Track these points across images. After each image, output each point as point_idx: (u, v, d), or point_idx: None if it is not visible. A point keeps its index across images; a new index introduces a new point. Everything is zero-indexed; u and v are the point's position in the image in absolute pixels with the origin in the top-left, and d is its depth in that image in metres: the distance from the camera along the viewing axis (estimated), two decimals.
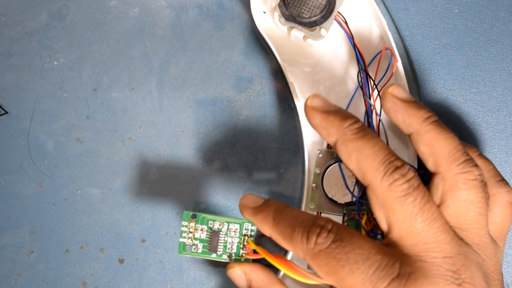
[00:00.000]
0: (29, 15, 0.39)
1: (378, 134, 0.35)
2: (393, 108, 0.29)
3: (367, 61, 0.36)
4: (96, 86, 0.38)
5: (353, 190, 0.34)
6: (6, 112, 0.38)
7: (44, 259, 0.37)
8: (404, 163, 0.27)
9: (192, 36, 0.39)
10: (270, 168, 0.37)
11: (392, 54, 0.35)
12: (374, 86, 0.35)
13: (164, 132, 0.38)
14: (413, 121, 0.28)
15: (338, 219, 0.35)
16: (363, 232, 0.32)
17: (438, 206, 0.27)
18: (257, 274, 0.31)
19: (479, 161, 0.30)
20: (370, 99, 0.35)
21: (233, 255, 0.33)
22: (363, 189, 0.34)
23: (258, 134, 0.37)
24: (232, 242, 0.33)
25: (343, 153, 0.28)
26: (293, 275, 0.29)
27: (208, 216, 0.33)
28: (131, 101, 0.38)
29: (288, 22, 0.35)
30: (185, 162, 0.37)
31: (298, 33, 0.36)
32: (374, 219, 0.33)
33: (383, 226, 0.27)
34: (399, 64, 0.35)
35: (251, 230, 0.33)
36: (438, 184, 0.27)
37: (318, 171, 0.35)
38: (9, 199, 0.37)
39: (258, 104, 0.38)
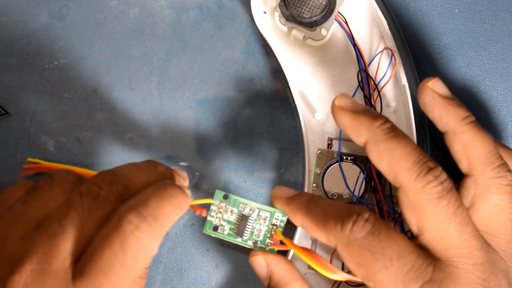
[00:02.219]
0: (29, 15, 0.39)
1: None
2: (431, 103, 0.28)
3: (367, 61, 0.36)
4: (97, 86, 0.38)
5: (354, 190, 0.34)
6: (6, 112, 0.38)
7: None
8: (437, 165, 0.26)
9: (192, 36, 0.39)
10: (271, 168, 0.37)
11: (392, 54, 0.35)
12: (374, 86, 0.35)
13: (164, 132, 0.38)
14: (450, 119, 0.27)
15: None
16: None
17: (468, 208, 0.27)
18: (280, 266, 0.30)
19: None
20: (370, 99, 0.35)
21: (259, 242, 0.32)
22: (363, 189, 0.34)
23: (258, 134, 0.37)
24: (260, 229, 0.32)
25: (373, 154, 0.27)
26: (321, 269, 0.28)
27: (240, 199, 0.32)
28: (132, 101, 0.38)
29: (288, 22, 0.35)
30: (185, 162, 0.37)
31: (298, 33, 0.36)
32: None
33: (414, 228, 0.27)
34: (399, 64, 0.35)
35: (281, 221, 0.32)
36: (470, 187, 0.27)
37: (319, 171, 0.35)
38: None
39: (258, 104, 0.38)
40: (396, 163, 0.26)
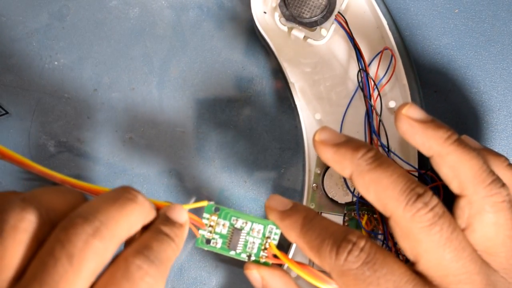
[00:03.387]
0: (29, 15, 0.39)
1: (379, 134, 0.35)
2: (410, 131, 0.27)
3: (367, 61, 0.36)
4: (97, 86, 0.38)
5: (354, 190, 0.34)
6: (7, 112, 0.38)
7: None
8: (426, 190, 0.25)
9: (192, 36, 0.39)
10: (271, 168, 0.37)
11: (392, 54, 0.35)
12: (374, 86, 0.35)
13: (164, 132, 0.38)
14: (433, 143, 0.26)
15: (338, 219, 0.35)
16: (364, 233, 0.32)
17: (464, 229, 0.26)
18: (275, 280, 0.29)
19: (508, 173, 0.28)
20: (370, 99, 0.35)
21: (253, 255, 0.30)
22: None
23: (258, 134, 0.37)
24: (254, 242, 0.30)
25: (360, 186, 0.26)
26: (317, 282, 0.28)
27: (232, 212, 0.30)
28: (132, 101, 0.38)
29: (288, 22, 0.35)
30: (185, 162, 0.37)
31: (298, 33, 0.36)
32: (375, 219, 0.33)
33: (409, 257, 0.26)
34: (400, 64, 0.35)
35: (275, 234, 0.30)
36: (464, 207, 0.26)
37: (319, 171, 0.35)
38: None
39: (258, 104, 0.38)
40: (383, 193, 0.25)
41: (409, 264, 0.26)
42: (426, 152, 0.27)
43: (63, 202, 0.24)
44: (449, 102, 0.37)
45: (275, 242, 0.30)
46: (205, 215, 0.30)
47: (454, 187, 0.26)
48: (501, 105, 0.37)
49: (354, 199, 0.34)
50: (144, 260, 0.23)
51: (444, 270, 0.25)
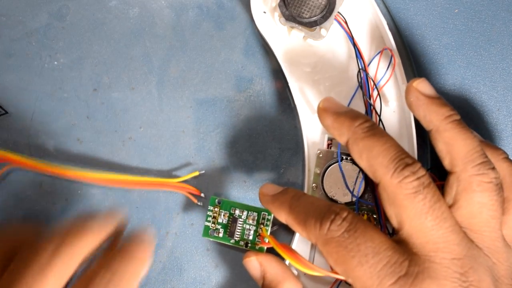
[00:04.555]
0: (29, 15, 0.39)
1: None
2: (416, 102, 0.29)
3: (367, 61, 0.36)
4: (96, 86, 0.38)
5: (353, 190, 0.34)
6: (6, 112, 0.38)
7: None
8: (415, 161, 0.27)
9: (192, 36, 0.39)
10: (270, 168, 0.37)
11: (392, 54, 0.35)
12: (374, 86, 0.35)
13: (164, 132, 0.38)
14: (434, 118, 0.28)
15: None
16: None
17: (451, 205, 0.27)
18: (272, 266, 0.31)
19: (504, 164, 0.29)
20: (370, 99, 0.35)
21: (249, 242, 0.34)
22: (363, 189, 0.34)
23: (258, 134, 0.37)
24: (250, 229, 0.34)
25: (354, 152, 0.28)
26: (299, 266, 0.29)
27: (231, 203, 0.34)
28: (131, 101, 0.38)
29: (288, 22, 0.35)
30: (185, 162, 0.37)
31: (298, 33, 0.36)
32: (375, 219, 0.33)
33: (394, 223, 0.27)
34: (399, 64, 0.35)
35: (267, 220, 0.34)
36: (453, 184, 0.27)
37: (318, 171, 0.35)
38: (9, 199, 0.37)
39: (258, 104, 0.38)
40: (374, 160, 0.27)
41: (393, 236, 0.27)
42: (426, 125, 0.28)
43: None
44: (449, 102, 0.37)
45: (267, 228, 0.34)
46: (210, 207, 0.34)
47: (446, 163, 0.28)
48: (501, 105, 0.37)
49: (354, 199, 0.34)
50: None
51: (424, 237, 0.26)
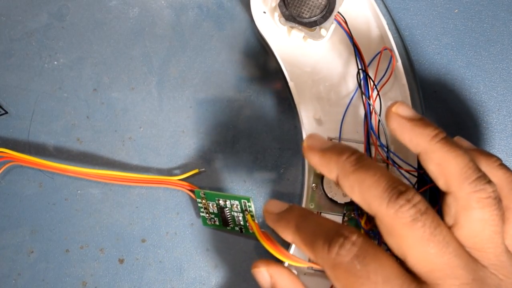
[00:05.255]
0: (29, 15, 0.39)
1: (378, 135, 0.35)
2: (399, 128, 0.28)
3: (366, 61, 0.36)
4: (96, 86, 0.38)
5: None
6: (6, 112, 0.38)
7: (44, 259, 0.37)
8: (408, 188, 0.26)
9: (192, 36, 0.39)
10: (270, 168, 0.37)
11: (391, 54, 0.35)
12: (374, 86, 0.35)
13: (164, 132, 0.38)
14: (420, 140, 0.27)
15: (338, 219, 0.35)
16: (362, 232, 0.32)
17: (452, 226, 0.26)
18: (283, 278, 0.30)
19: (499, 172, 0.28)
20: (369, 99, 0.35)
21: (243, 227, 0.35)
22: None
23: (258, 134, 0.37)
24: (238, 216, 0.35)
25: (346, 187, 0.27)
26: (279, 256, 0.29)
27: (214, 194, 0.35)
28: (131, 101, 0.38)
29: (288, 22, 0.35)
30: (185, 162, 0.37)
31: (298, 33, 0.36)
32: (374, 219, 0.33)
33: (397, 254, 0.26)
34: (399, 64, 0.35)
35: (249, 207, 0.34)
36: (451, 204, 0.26)
37: (318, 171, 0.35)
38: (9, 199, 0.37)
39: (258, 104, 0.38)
40: (367, 193, 0.26)
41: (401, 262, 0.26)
42: (414, 149, 0.28)
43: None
44: (448, 102, 0.37)
45: (252, 214, 0.34)
46: (198, 200, 0.35)
47: (441, 184, 0.27)
48: (501, 105, 0.37)
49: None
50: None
51: (429, 265, 0.25)
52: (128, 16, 0.39)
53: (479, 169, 0.26)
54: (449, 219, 0.26)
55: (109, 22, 0.39)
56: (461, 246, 0.26)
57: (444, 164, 0.26)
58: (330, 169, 0.28)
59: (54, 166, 0.36)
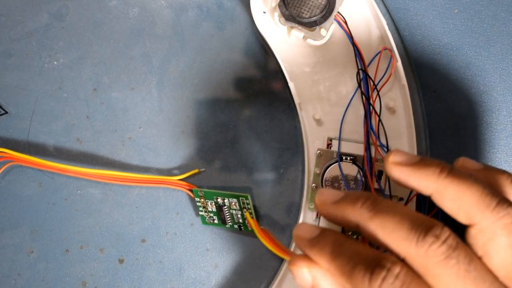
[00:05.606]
0: (29, 15, 0.39)
1: (378, 135, 0.35)
2: (403, 176, 0.27)
3: (366, 61, 0.36)
4: (96, 86, 0.38)
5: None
6: (6, 112, 0.38)
7: (44, 259, 0.37)
8: (434, 222, 0.24)
9: (192, 36, 0.39)
10: (270, 168, 0.37)
11: (391, 54, 0.35)
12: (374, 86, 0.35)
13: (164, 132, 0.38)
14: (427, 181, 0.26)
15: None
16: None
17: (481, 257, 0.25)
18: (327, 283, 0.27)
19: None
20: (369, 99, 0.35)
21: (242, 225, 0.35)
22: (363, 189, 0.34)
23: (258, 134, 0.37)
24: (237, 214, 0.35)
25: (368, 236, 0.26)
26: (278, 253, 0.29)
27: (212, 192, 0.35)
28: (131, 101, 0.38)
29: (288, 22, 0.35)
30: (185, 162, 0.37)
31: (298, 33, 0.36)
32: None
33: None
34: (399, 64, 0.35)
35: (247, 204, 0.34)
36: (476, 235, 0.25)
37: (318, 171, 0.35)
38: (9, 199, 0.37)
39: (258, 104, 0.38)
40: (392, 237, 0.25)
41: None
42: (424, 191, 0.26)
43: None
44: (448, 102, 0.37)
45: (251, 211, 0.35)
46: (196, 199, 0.36)
47: (462, 218, 0.26)
48: (501, 105, 0.37)
49: None
50: None
51: None
52: (128, 16, 0.39)
53: (496, 193, 0.25)
54: (477, 251, 0.25)
55: (109, 22, 0.39)
56: (496, 278, 0.25)
57: (459, 198, 0.25)
58: (349, 220, 0.26)
59: (54, 166, 0.36)
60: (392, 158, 0.27)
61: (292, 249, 0.34)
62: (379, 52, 0.36)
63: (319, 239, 0.27)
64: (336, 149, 0.35)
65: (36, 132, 0.38)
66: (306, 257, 0.27)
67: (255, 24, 0.37)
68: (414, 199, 0.34)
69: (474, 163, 0.29)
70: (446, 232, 0.24)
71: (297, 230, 0.28)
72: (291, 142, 0.37)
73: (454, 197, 0.25)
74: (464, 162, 0.29)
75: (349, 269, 0.25)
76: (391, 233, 0.25)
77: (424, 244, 0.24)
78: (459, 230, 0.25)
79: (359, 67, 0.35)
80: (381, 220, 0.25)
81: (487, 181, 0.26)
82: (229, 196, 0.35)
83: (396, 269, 0.24)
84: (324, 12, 0.35)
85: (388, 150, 0.34)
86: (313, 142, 0.36)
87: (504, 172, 0.28)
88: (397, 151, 0.27)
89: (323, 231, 0.27)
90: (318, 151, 0.35)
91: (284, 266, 0.35)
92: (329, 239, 0.27)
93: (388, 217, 0.25)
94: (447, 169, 0.26)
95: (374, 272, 0.24)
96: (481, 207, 0.25)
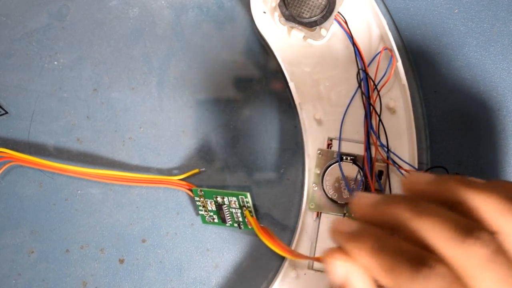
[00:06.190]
0: (29, 15, 0.39)
1: (378, 135, 0.35)
2: (368, 217, 0.26)
3: (366, 61, 0.36)
4: (96, 86, 0.38)
5: (353, 190, 0.34)
6: (6, 112, 0.38)
7: (44, 259, 0.37)
8: (477, 225, 0.24)
9: (192, 36, 0.39)
10: (270, 168, 0.37)
11: (391, 54, 0.35)
12: (374, 86, 0.35)
13: (164, 132, 0.38)
14: (394, 222, 0.25)
15: None
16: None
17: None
18: (359, 280, 0.27)
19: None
20: (369, 99, 0.35)
21: (241, 223, 0.36)
22: (363, 189, 0.34)
23: (258, 134, 0.37)
24: (236, 213, 0.35)
25: (407, 237, 0.25)
26: (278, 251, 0.30)
27: (212, 191, 0.35)
28: (131, 101, 0.38)
29: (288, 22, 0.35)
30: (185, 162, 0.37)
31: (298, 33, 0.36)
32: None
33: None
34: (399, 64, 0.35)
35: (247, 202, 0.35)
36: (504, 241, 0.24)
37: (319, 171, 0.35)
38: (9, 199, 0.37)
39: (258, 104, 0.38)
40: (436, 236, 0.24)
41: None
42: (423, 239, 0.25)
43: None
44: (449, 102, 0.37)
45: (250, 210, 0.35)
46: (196, 198, 0.36)
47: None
48: (501, 105, 0.37)
49: None
50: None
51: None
52: (128, 16, 0.39)
53: (468, 225, 0.24)
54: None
55: (109, 22, 0.39)
56: None
57: (427, 237, 0.25)
58: (386, 221, 0.26)
59: (54, 166, 0.36)
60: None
61: (293, 247, 0.34)
62: (379, 52, 0.36)
63: (361, 233, 0.26)
64: (336, 149, 0.35)
65: (36, 132, 0.38)
66: (343, 250, 0.27)
67: (255, 24, 0.37)
68: None
69: (423, 177, 0.28)
70: (489, 236, 0.24)
71: (336, 224, 0.27)
72: (291, 142, 0.37)
73: (423, 235, 0.25)
74: (412, 178, 0.28)
75: (392, 265, 0.24)
76: (435, 232, 0.24)
77: (468, 245, 0.23)
78: None
79: (359, 67, 0.35)
80: (425, 220, 0.25)
81: (441, 195, 0.26)
82: (228, 195, 0.35)
83: (440, 268, 0.24)
84: (324, 12, 0.35)
85: (388, 150, 0.34)
86: (313, 142, 0.36)
87: (451, 178, 0.27)
88: (358, 196, 0.27)
89: (364, 226, 0.27)
90: (318, 151, 0.35)
91: (285, 266, 0.35)
92: (371, 234, 0.26)
93: (432, 217, 0.25)
94: (407, 213, 0.25)
95: (418, 269, 0.24)
96: (450, 243, 0.24)
